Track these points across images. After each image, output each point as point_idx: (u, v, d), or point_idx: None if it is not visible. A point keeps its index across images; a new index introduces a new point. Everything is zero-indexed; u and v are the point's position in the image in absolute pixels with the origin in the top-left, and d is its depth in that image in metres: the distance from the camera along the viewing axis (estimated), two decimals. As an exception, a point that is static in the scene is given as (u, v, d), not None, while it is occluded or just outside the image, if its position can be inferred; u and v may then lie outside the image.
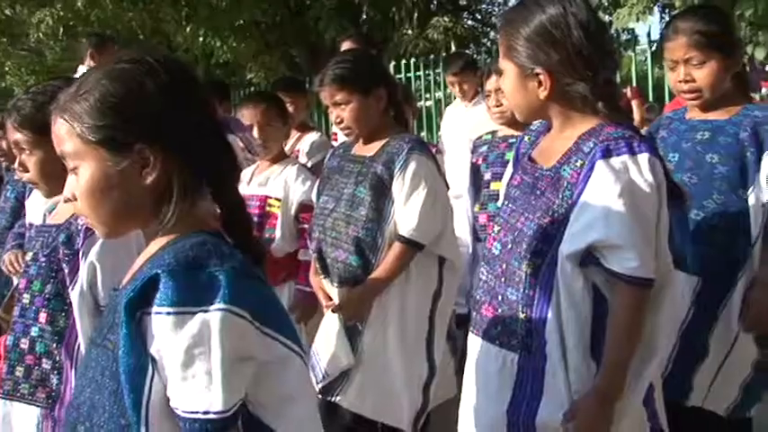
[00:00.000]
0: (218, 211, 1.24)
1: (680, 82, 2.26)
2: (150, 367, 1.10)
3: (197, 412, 1.09)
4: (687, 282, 2.15)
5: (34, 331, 1.85)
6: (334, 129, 4.92)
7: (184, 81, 1.21)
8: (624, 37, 8.41)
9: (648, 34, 6.69)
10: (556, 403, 1.67)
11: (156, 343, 1.10)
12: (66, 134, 1.19)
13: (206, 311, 1.08)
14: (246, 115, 3.07)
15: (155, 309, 1.09)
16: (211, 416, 1.09)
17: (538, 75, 1.69)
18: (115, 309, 1.17)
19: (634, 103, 5.93)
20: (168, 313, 1.08)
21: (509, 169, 1.97)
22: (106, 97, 1.16)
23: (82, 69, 5.35)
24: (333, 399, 2.50)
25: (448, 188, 2.66)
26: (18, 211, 3.62)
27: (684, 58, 2.23)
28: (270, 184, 3.02)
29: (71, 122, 1.17)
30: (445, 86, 7.29)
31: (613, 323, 1.64)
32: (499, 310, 1.76)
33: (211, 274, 1.10)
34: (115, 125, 1.15)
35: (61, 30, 10.47)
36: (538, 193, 1.73)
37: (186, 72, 1.24)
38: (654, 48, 6.36)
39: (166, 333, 1.08)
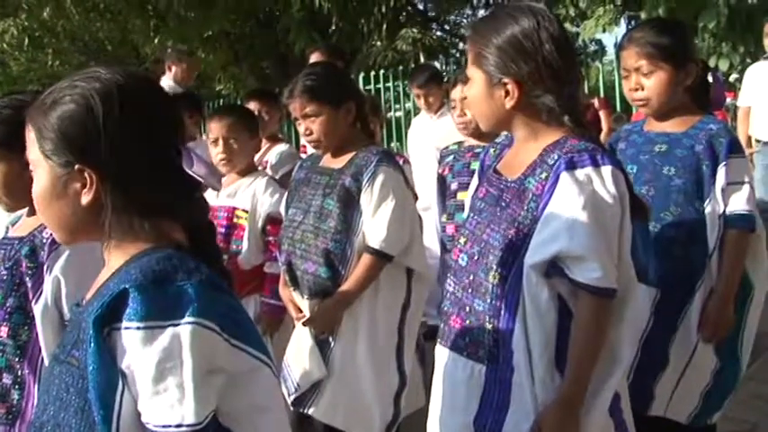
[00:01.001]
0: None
1: (631, 90, 2.33)
2: (120, 382, 1.10)
3: (169, 426, 1.09)
4: (647, 293, 2.18)
5: (-5, 345, 1.82)
6: (303, 141, 4.94)
7: (140, 106, 1.20)
8: (591, 48, 8.55)
9: (615, 45, 6.79)
10: (522, 414, 1.68)
11: (126, 358, 1.10)
12: (30, 141, 1.22)
13: (176, 325, 1.09)
14: (213, 129, 3.06)
15: (124, 324, 1.09)
16: (184, 428, 1.09)
17: (505, 84, 1.71)
18: (79, 325, 1.17)
19: (602, 114, 6.03)
20: (138, 328, 1.08)
21: (474, 181, 1.99)
22: (59, 115, 1.18)
23: (165, 81, 5.30)
24: (305, 410, 2.50)
25: (416, 199, 2.68)
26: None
27: (635, 67, 2.29)
28: (238, 196, 3.01)
29: (34, 131, 1.21)
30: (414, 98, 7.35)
31: (576, 332, 1.66)
32: (467, 321, 1.77)
33: (180, 287, 1.11)
34: (59, 143, 1.17)
35: (26, 40, 10.36)
36: (503, 204, 1.74)
37: (146, 94, 1.23)
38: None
39: (137, 348, 1.08)
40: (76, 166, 1.17)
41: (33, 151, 1.21)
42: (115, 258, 1.21)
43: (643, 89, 2.29)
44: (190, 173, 1.23)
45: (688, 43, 2.40)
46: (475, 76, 1.77)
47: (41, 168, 1.21)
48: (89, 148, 1.16)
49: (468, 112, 3.01)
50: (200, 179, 1.24)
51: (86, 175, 1.17)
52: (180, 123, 1.29)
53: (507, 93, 1.71)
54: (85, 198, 1.18)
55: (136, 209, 1.19)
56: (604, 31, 6.90)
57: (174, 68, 5.50)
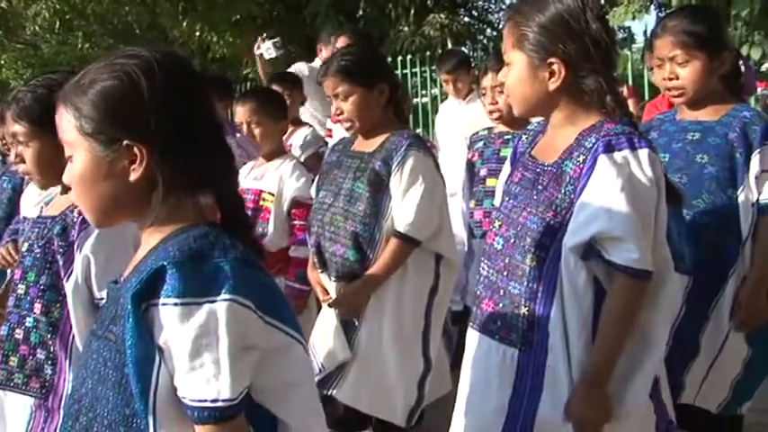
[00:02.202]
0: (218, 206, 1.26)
1: (665, 80, 2.31)
2: (157, 357, 1.12)
3: (205, 401, 1.11)
4: (679, 281, 2.16)
5: (29, 321, 1.86)
6: (329, 125, 4.95)
7: (181, 81, 1.21)
8: (620, 35, 8.44)
9: (645, 33, 6.70)
10: (557, 397, 1.68)
11: (163, 334, 1.11)
12: (65, 123, 1.21)
13: (213, 302, 1.10)
14: (237, 113, 3.07)
15: (162, 300, 1.11)
16: (220, 404, 1.11)
17: (551, 65, 1.70)
18: (117, 300, 1.19)
19: (630, 102, 5.97)
20: (176, 304, 1.10)
21: (506, 168, 1.99)
22: (101, 92, 1.18)
23: (317, 63, 5.30)
24: (328, 392, 2.51)
25: (445, 185, 2.68)
26: (15, 201, 3.62)
27: (669, 56, 2.27)
28: (265, 179, 3.02)
29: (70, 112, 1.20)
30: (441, 83, 7.31)
31: (607, 312, 1.66)
32: (500, 305, 1.78)
33: (216, 264, 1.12)
34: (105, 120, 1.17)
35: (57, 23, 10.47)
36: (540, 188, 1.74)
37: (185, 72, 1.24)
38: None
39: (174, 324, 1.10)
40: (125, 142, 1.17)
41: (70, 133, 1.21)
42: (153, 235, 1.22)
43: (678, 78, 2.27)
44: (232, 142, 1.24)
45: (722, 31, 2.37)
46: (516, 59, 1.75)
47: (81, 150, 1.20)
48: (136, 123, 1.16)
49: (500, 99, 3.00)
50: (242, 147, 1.26)
51: (136, 150, 1.17)
52: (213, 97, 1.31)
53: (552, 74, 1.71)
54: (134, 174, 1.18)
55: (184, 182, 1.19)
56: (634, 18, 6.80)
57: (323, 51, 5.44)
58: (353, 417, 2.56)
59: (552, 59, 1.69)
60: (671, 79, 2.28)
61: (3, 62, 12.54)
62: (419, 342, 2.52)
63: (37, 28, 11.16)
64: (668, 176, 1.82)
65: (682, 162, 2.28)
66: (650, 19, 8.72)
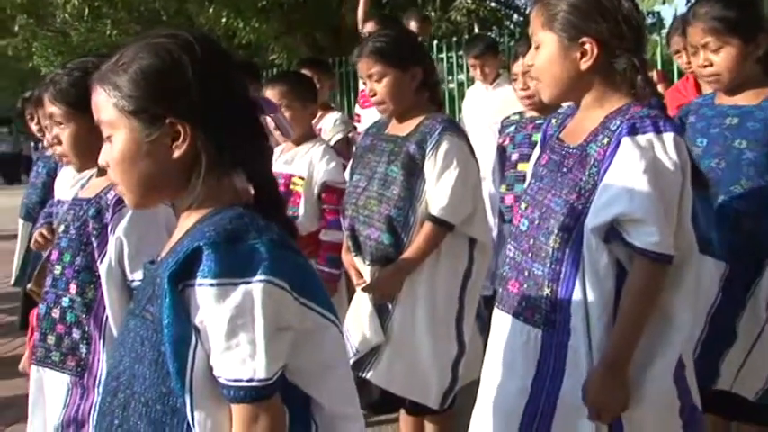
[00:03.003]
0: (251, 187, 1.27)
1: (699, 67, 2.29)
2: (193, 337, 1.13)
3: (241, 380, 1.12)
4: (715, 267, 2.16)
5: (65, 301, 1.89)
6: (358, 110, 4.96)
7: (218, 60, 1.23)
8: (650, 20, 8.30)
9: (675, 17, 6.59)
10: (578, 378, 1.69)
11: (199, 314, 1.13)
12: (103, 102, 1.21)
13: (248, 283, 1.11)
14: (268, 96, 3.07)
15: (198, 280, 1.12)
16: (255, 383, 1.12)
17: (583, 44, 1.69)
18: (154, 280, 1.20)
19: (660, 87, 5.89)
20: (212, 285, 1.11)
21: (536, 151, 1.99)
22: (142, 70, 1.18)
23: None
24: (363, 375, 2.52)
25: (479, 169, 2.67)
26: (49, 186, 3.69)
27: (702, 44, 2.24)
28: (295, 163, 3.03)
29: (108, 91, 1.20)
30: (468, 69, 7.26)
31: (627, 294, 1.66)
32: (525, 286, 1.78)
33: (252, 246, 1.13)
34: (148, 98, 1.18)
35: (86, 10, 10.55)
36: (565, 170, 1.75)
37: (220, 51, 1.25)
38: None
39: (210, 304, 1.11)
40: (168, 120, 1.18)
41: (109, 112, 1.21)
42: (189, 216, 1.23)
43: (712, 65, 2.24)
44: (270, 117, 1.26)
45: (756, 13, 2.32)
46: (545, 39, 1.75)
47: (121, 129, 1.21)
48: (179, 100, 1.17)
49: (532, 84, 2.98)
50: (280, 123, 1.27)
51: (179, 127, 1.18)
52: (246, 77, 1.32)
53: (584, 53, 1.70)
54: (178, 151, 1.19)
55: (222, 162, 1.20)
56: (664, 2, 6.70)
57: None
58: (388, 399, 2.58)
59: (584, 39, 1.69)
60: (705, 66, 2.26)
61: (34, 50, 12.69)
62: (453, 326, 2.52)
63: (67, 16, 11.25)
64: (702, 163, 1.80)
65: (719, 147, 2.25)
66: (680, 3, 8.58)
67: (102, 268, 1.83)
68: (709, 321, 2.19)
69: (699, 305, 2.02)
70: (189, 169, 1.20)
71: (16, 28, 12.32)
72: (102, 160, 1.25)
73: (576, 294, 1.68)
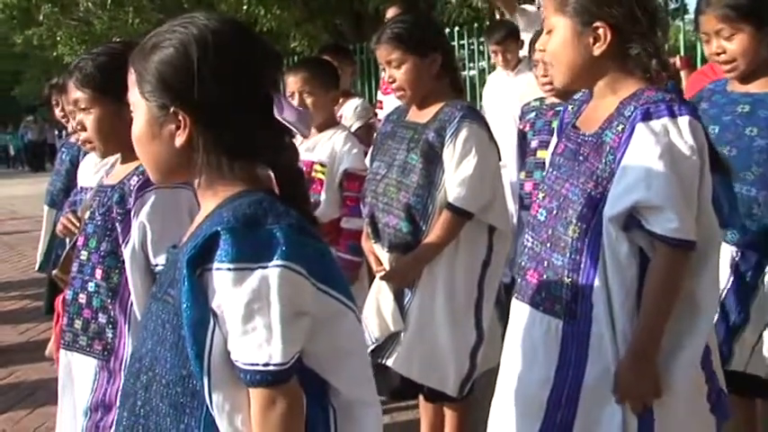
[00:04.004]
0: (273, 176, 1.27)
1: (712, 54, 2.28)
2: (211, 321, 1.14)
3: (257, 364, 1.13)
4: (727, 251, 2.16)
5: (91, 286, 1.91)
6: (380, 96, 4.96)
7: (235, 51, 1.22)
8: (672, 5, 8.20)
9: (699, 1, 6.48)
10: (603, 367, 1.68)
11: (217, 298, 1.14)
12: (131, 84, 1.26)
13: (265, 267, 1.12)
14: (289, 83, 3.05)
15: (215, 265, 1.13)
16: (271, 368, 1.12)
17: (596, 29, 1.68)
18: (175, 265, 1.22)
19: (683, 73, 5.82)
20: (229, 269, 1.12)
21: (554, 139, 1.97)
22: (157, 58, 1.21)
23: None
24: (382, 361, 2.53)
25: (500, 158, 2.65)
26: (72, 173, 3.73)
27: (715, 31, 2.23)
28: (317, 150, 3.01)
29: (134, 74, 1.25)
30: (489, 56, 7.21)
31: (650, 283, 1.65)
32: (544, 276, 1.77)
33: (269, 231, 1.14)
34: (158, 85, 1.21)
35: (109, 0, 10.62)
36: (581, 159, 1.73)
37: (241, 41, 1.24)
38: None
39: (227, 288, 1.12)
40: (172, 109, 1.21)
41: (134, 93, 1.26)
42: (209, 202, 1.25)
43: (725, 53, 2.23)
44: (279, 119, 1.25)
45: None
46: (558, 24, 1.73)
47: (140, 109, 1.25)
48: (183, 92, 1.19)
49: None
50: (289, 125, 1.26)
51: (180, 117, 1.21)
52: (274, 69, 1.30)
53: (597, 38, 1.68)
54: (179, 139, 1.22)
55: (225, 151, 1.21)
56: (688, -13, 6.63)
57: None
58: (407, 386, 2.59)
59: (598, 23, 1.67)
60: (718, 54, 2.25)
61: (58, 38, 12.81)
62: (471, 313, 2.52)
63: (90, 4, 11.35)
64: (714, 145, 1.78)
65: (731, 135, 2.24)
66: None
67: (126, 253, 1.85)
68: (722, 304, 2.20)
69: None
70: (195, 156, 1.22)
71: (41, 17, 12.43)
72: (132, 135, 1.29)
73: (598, 283, 1.67)
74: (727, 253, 2.17)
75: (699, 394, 1.74)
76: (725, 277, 2.20)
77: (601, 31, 1.67)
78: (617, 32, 1.67)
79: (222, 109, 1.20)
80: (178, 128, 1.21)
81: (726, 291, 2.21)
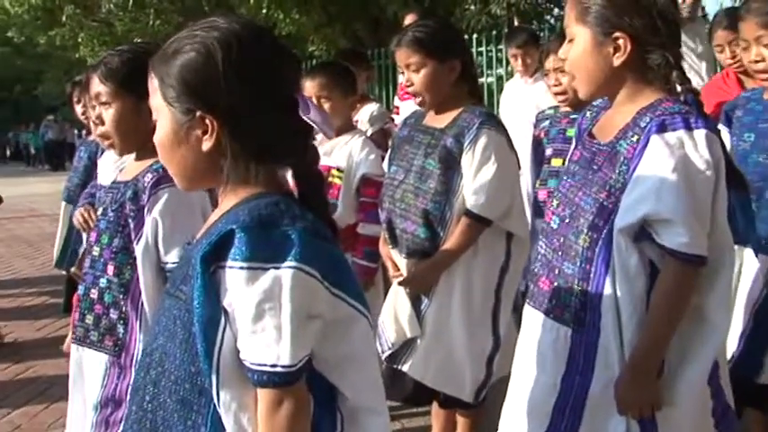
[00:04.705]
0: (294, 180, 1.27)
1: (751, 62, 2.26)
2: (222, 319, 1.14)
3: (265, 365, 1.12)
4: (761, 262, 2.14)
5: (102, 282, 1.93)
6: (396, 102, 4.96)
7: (259, 54, 1.22)
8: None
9: (718, 12, 6.43)
10: (608, 377, 1.67)
11: (228, 296, 1.14)
12: (153, 89, 1.25)
13: (278, 268, 1.11)
14: (306, 88, 3.01)
15: (229, 263, 1.13)
16: (279, 369, 1.12)
17: (616, 39, 1.66)
18: (189, 261, 1.21)
19: (702, 82, 5.78)
20: (242, 268, 1.12)
21: (573, 145, 1.96)
22: (180, 63, 1.20)
23: None
24: (398, 367, 2.53)
25: (519, 166, 2.64)
26: (90, 170, 3.77)
27: (755, 37, 2.22)
28: (334, 155, 2.98)
29: (156, 79, 1.24)
30: (507, 63, 7.21)
31: (657, 296, 1.63)
32: (555, 284, 1.77)
33: (284, 232, 1.14)
34: (183, 90, 1.20)
35: (131, 1, 10.72)
36: (595, 168, 1.72)
37: (264, 44, 1.24)
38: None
39: (239, 287, 1.12)
40: (198, 114, 1.20)
41: (156, 98, 1.24)
42: (227, 200, 1.25)
43: (765, 60, 2.21)
44: (306, 119, 1.25)
45: None
46: (579, 33, 1.72)
47: (164, 115, 1.24)
48: (209, 96, 1.19)
49: (563, 80, 2.96)
50: (316, 126, 1.26)
51: (207, 121, 1.20)
52: (296, 71, 1.31)
53: (617, 48, 1.67)
54: (206, 144, 1.21)
55: (252, 154, 1.21)
56: (707, -4, 6.58)
57: None
58: (422, 392, 2.58)
59: (617, 34, 1.66)
60: (757, 61, 2.23)
61: (80, 39, 12.94)
62: (488, 320, 2.51)
63: (111, 6, 11.46)
64: (750, 157, 1.76)
65: (767, 142, 2.22)
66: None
67: (139, 249, 1.86)
68: (753, 316, 2.17)
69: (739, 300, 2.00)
70: (222, 159, 1.22)
71: (64, 18, 12.57)
72: (155, 140, 1.28)
73: (607, 294, 1.66)
74: (760, 264, 2.14)
75: (704, 409, 1.72)
76: (757, 289, 2.18)
77: (621, 41, 1.66)
78: (637, 43, 1.65)
79: (249, 111, 1.20)
80: (205, 132, 1.20)
81: (759, 302, 2.18)
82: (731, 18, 3.04)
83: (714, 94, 3.29)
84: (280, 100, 1.23)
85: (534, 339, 1.82)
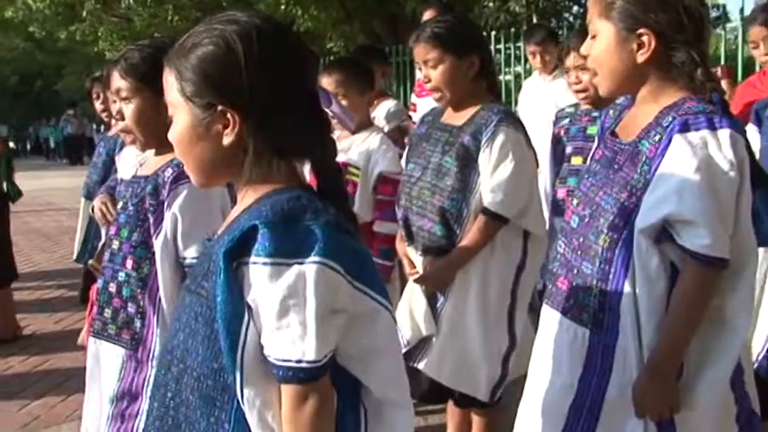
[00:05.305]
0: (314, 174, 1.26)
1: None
2: (246, 315, 1.14)
3: (290, 360, 1.12)
4: None
5: (121, 276, 1.93)
6: (414, 99, 4.95)
7: (278, 48, 1.20)
8: (714, 14, 8.06)
9: (741, 11, 6.36)
10: (626, 379, 1.66)
11: (252, 292, 1.13)
12: (169, 84, 1.24)
13: (302, 263, 1.11)
14: (324, 84, 2.99)
15: (252, 259, 1.12)
16: (304, 364, 1.12)
17: (640, 36, 1.64)
18: (210, 257, 1.21)
19: (724, 83, 5.73)
20: (265, 263, 1.11)
21: (595, 144, 1.94)
22: (200, 56, 1.19)
23: None
24: (414, 364, 2.52)
25: (537, 164, 2.62)
26: (109, 166, 3.79)
27: None
28: (352, 152, 2.97)
29: (173, 74, 1.22)
30: (525, 60, 7.17)
31: (676, 298, 1.61)
32: (573, 284, 1.75)
33: (307, 227, 1.13)
34: (202, 84, 1.18)
35: (150, -3, 10.78)
36: (616, 167, 1.70)
37: (283, 38, 1.23)
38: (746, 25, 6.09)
39: (263, 283, 1.12)
40: (219, 108, 1.19)
41: (172, 94, 1.23)
42: (248, 196, 1.24)
43: None
44: (327, 111, 1.25)
45: None
46: (602, 29, 1.69)
47: (181, 111, 1.22)
48: (231, 89, 1.18)
49: (584, 77, 2.93)
50: (337, 118, 1.25)
51: (229, 115, 1.18)
52: (315, 66, 1.30)
53: (641, 45, 1.64)
54: (227, 139, 1.20)
55: (275, 149, 1.20)
56: (730, -5, 6.48)
57: None
58: (437, 390, 2.58)
59: (642, 30, 1.63)
60: None
61: (100, 34, 13.03)
62: (504, 318, 2.50)
63: (131, 1, 11.52)
64: (756, 160, 1.73)
65: None
66: (747, -4, 8.31)
67: (158, 244, 1.87)
68: None
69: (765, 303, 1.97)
70: (243, 154, 1.20)
71: (84, 13, 12.66)
72: (169, 137, 1.27)
73: (626, 295, 1.64)
74: None
75: (727, 414, 1.70)
76: None
77: (645, 37, 1.63)
78: (661, 39, 1.63)
79: (270, 104, 1.18)
80: (225, 127, 1.19)
81: None
82: (767, 14, 3.00)
83: (748, 94, 3.25)
84: (301, 93, 1.22)
85: (551, 339, 1.81)
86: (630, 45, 1.66)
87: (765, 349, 2.06)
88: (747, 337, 1.73)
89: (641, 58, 1.65)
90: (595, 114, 2.95)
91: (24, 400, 3.75)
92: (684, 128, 1.59)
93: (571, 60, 3.04)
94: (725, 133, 1.57)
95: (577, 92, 3.08)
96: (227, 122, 1.19)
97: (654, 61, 1.65)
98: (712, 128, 1.58)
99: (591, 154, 1.89)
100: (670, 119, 1.62)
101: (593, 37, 1.73)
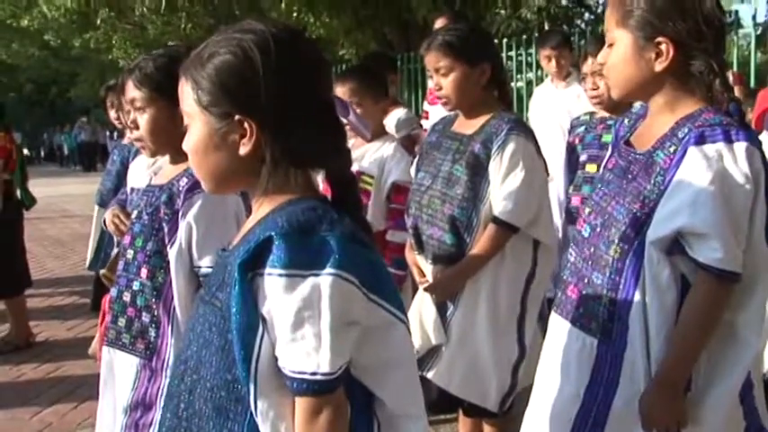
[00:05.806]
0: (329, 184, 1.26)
1: None
2: (261, 326, 1.13)
3: (305, 372, 1.12)
4: None
5: (136, 285, 1.94)
6: (426, 107, 4.95)
7: (296, 57, 1.20)
8: (727, 20, 8.02)
9: (754, 17, 6.33)
10: (633, 391, 1.64)
11: (267, 303, 1.13)
12: (184, 94, 1.24)
13: (317, 275, 1.10)
14: (338, 93, 2.96)
15: (267, 270, 1.12)
16: (318, 377, 1.11)
17: (659, 44, 1.62)
18: (225, 268, 1.21)
19: (736, 90, 5.71)
20: (280, 275, 1.11)
21: (609, 152, 1.93)
22: (217, 66, 1.18)
23: None
24: (423, 373, 2.51)
25: (548, 172, 2.62)
26: (123, 174, 3.81)
27: None
28: (365, 160, 2.96)
29: (189, 84, 1.22)
30: (537, 67, 7.16)
31: (687, 311, 1.59)
32: (583, 293, 1.74)
33: (323, 238, 1.12)
34: (220, 94, 1.18)
35: (163, 4, 10.83)
36: (629, 177, 1.68)
37: (300, 47, 1.23)
38: (759, 31, 6.05)
39: (278, 294, 1.11)
40: (236, 117, 1.18)
41: (188, 104, 1.23)
42: (263, 206, 1.24)
43: None
44: (344, 120, 1.24)
45: None
46: (620, 37, 1.67)
47: (197, 121, 1.22)
48: (249, 99, 1.17)
49: (601, 84, 2.93)
50: (354, 128, 1.26)
51: (246, 125, 1.18)
52: (330, 72, 1.29)
53: (659, 54, 1.62)
54: (244, 148, 1.19)
55: (292, 158, 1.20)
56: (742, 1, 6.47)
57: None
58: (446, 399, 2.57)
59: (660, 39, 1.61)
60: None
61: (114, 42, 13.14)
62: (514, 328, 2.49)
63: (144, 9, 11.59)
64: None
65: None
66: (760, 2, 8.27)
67: (172, 253, 1.87)
68: None
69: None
70: (258, 164, 1.20)
71: (98, 21, 12.76)
72: (184, 146, 1.27)
73: (635, 306, 1.63)
74: None
75: (736, 429, 1.68)
76: None
77: (663, 46, 1.61)
78: (680, 49, 1.61)
79: (287, 113, 1.18)
80: (242, 136, 1.19)
81: None
82: None
83: (764, 102, 3.22)
84: (317, 102, 1.22)
85: (559, 347, 1.80)
86: (648, 54, 1.64)
87: None
88: (758, 351, 1.71)
89: (659, 66, 1.63)
90: (611, 122, 2.93)
91: (37, 407, 3.77)
92: (700, 140, 1.57)
93: (588, 66, 3.03)
94: (741, 146, 1.55)
95: (593, 98, 3.07)
96: (244, 132, 1.18)
97: (672, 70, 1.63)
98: (728, 140, 1.56)
99: (604, 162, 1.88)
100: (686, 130, 1.60)
101: (611, 45, 1.71)
